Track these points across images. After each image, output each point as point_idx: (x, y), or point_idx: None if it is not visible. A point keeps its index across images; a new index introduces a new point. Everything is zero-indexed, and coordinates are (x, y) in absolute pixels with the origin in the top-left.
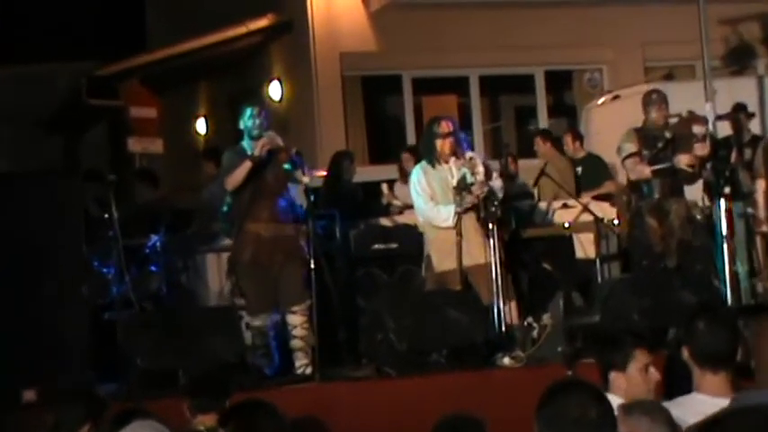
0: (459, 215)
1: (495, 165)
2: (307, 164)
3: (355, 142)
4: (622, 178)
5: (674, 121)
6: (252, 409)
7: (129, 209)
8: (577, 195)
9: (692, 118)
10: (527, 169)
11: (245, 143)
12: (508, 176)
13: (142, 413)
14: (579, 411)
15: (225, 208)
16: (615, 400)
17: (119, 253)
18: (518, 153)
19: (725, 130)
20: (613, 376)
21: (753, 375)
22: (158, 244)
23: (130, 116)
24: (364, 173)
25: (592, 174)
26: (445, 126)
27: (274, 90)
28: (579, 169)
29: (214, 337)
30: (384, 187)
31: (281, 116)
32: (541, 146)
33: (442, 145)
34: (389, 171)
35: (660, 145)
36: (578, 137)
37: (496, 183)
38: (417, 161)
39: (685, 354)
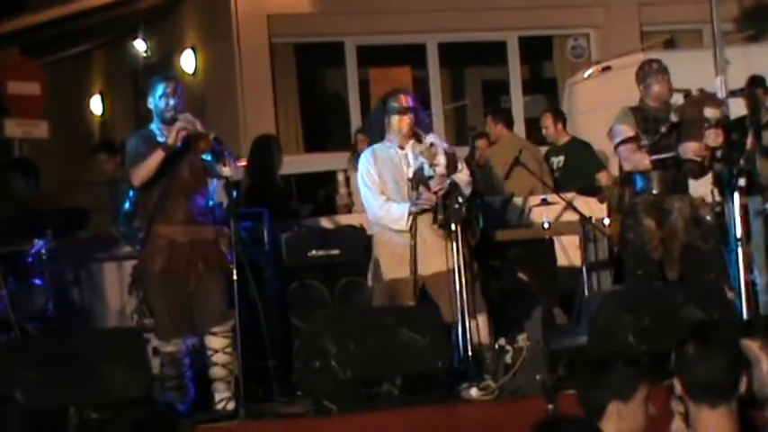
0: (414, 215)
1: (462, 151)
2: (229, 153)
3: (287, 125)
4: (614, 169)
5: (677, 98)
6: None
7: (6, 207)
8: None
9: (705, 97)
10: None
11: (155, 126)
12: (477, 167)
13: None
14: None
15: (126, 205)
16: None
17: None
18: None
19: (739, 108)
20: (612, 407)
21: (762, 407)
22: (43, 251)
23: (7, 93)
24: (297, 163)
25: (577, 163)
26: (404, 100)
27: (187, 61)
28: (561, 158)
29: (114, 367)
30: (340, 178)
31: (196, 93)
32: (494, 128)
33: (400, 123)
34: (328, 161)
35: (663, 129)
36: (560, 117)
37: (462, 176)
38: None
39: (677, 387)
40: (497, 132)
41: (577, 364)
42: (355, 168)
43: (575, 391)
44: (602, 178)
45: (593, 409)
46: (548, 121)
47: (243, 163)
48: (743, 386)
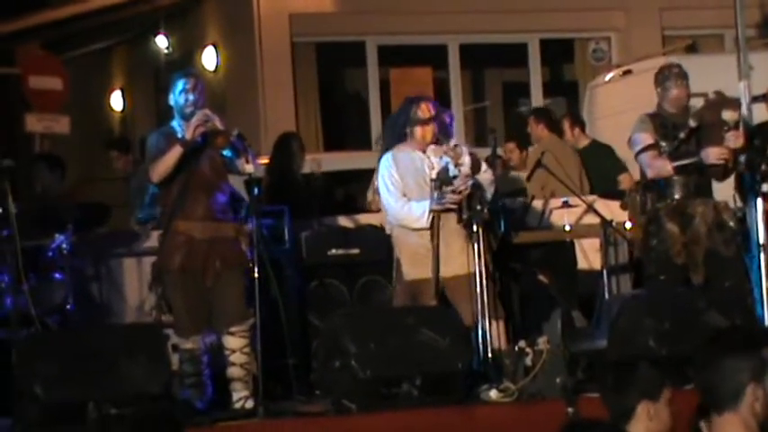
0: (435, 214)
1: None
2: (250, 149)
3: (308, 124)
4: (635, 175)
5: (696, 103)
6: None
7: (28, 202)
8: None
9: (721, 100)
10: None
11: (176, 123)
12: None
13: None
14: None
15: (147, 198)
16: None
17: (15, 256)
18: (507, 139)
19: (761, 114)
20: (642, 408)
21: None
22: (64, 245)
23: (29, 88)
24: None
25: (598, 167)
26: (426, 110)
27: (209, 58)
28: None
29: (133, 363)
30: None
31: (217, 90)
32: (535, 129)
33: (423, 133)
34: (347, 160)
35: (682, 135)
36: (578, 122)
37: (485, 176)
38: None
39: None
40: (538, 133)
41: (600, 367)
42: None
43: (600, 395)
44: (624, 181)
45: (622, 412)
46: (566, 126)
47: (264, 160)
48: (754, 396)
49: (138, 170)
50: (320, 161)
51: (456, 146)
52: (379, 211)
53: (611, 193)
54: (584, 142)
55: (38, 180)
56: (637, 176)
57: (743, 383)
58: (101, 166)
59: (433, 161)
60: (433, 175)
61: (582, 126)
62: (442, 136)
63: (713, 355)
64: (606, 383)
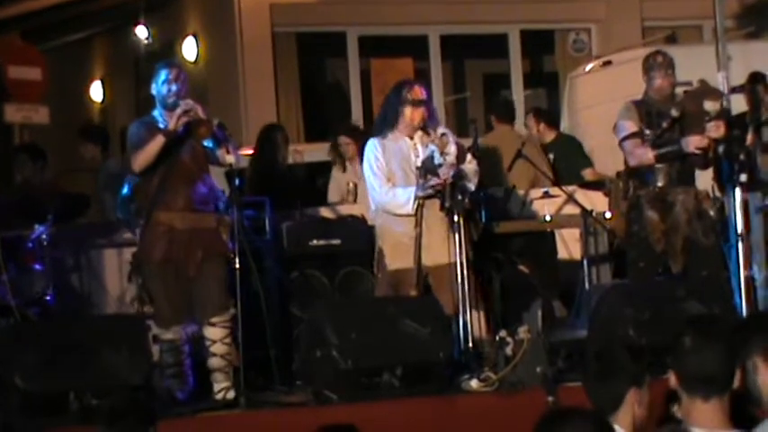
0: (419, 201)
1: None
2: (231, 140)
3: (288, 114)
4: (617, 163)
5: (682, 90)
6: None
7: (7, 193)
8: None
9: (705, 91)
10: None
11: (157, 113)
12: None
13: None
14: None
15: (125, 190)
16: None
17: None
18: (486, 129)
19: (739, 105)
20: (630, 396)
21: (757, 403)
22: (44, 236)
23: (8, 78)
24: (299, 152)
25: (565, 160)
26: (418, 92)
27: (189, 48)
28: (551, 156)
29: (113, 353)
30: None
31: (198, 81)
32: (535, 127)
33: (413, 114)
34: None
35: (665, 124)
36: (542, 116)
37: (470, 167)
38: (360, 145)
39: (672, 380)
40: (541, 133)
41: (583, 359)
42: (341, 168)
43: (584, 387)
44: (587, 175)
45: (610, 401)
46: (530, 122)
47: (246, 151)
48: (737, 380)
49: (106, 162)
50: (303, 152)
51: (443, 134)
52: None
53: (590, 183)
54: (550, 136)
55: (19, 170)
56: (617, 166)
57: (734, 369)
58: (80, 156)
59: (419, 148)
60: (419, 163)
61: (547, 120)
62: (430, 123)
63: (707, 341)
64: (590, 375)
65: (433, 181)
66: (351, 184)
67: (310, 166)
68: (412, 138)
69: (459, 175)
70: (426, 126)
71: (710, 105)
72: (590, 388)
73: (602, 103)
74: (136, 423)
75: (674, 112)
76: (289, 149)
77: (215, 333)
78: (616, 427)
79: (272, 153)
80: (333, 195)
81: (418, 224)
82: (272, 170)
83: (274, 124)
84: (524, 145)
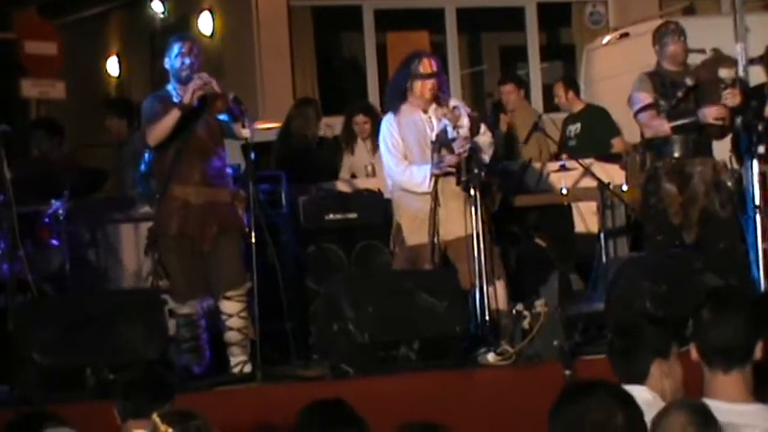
0: (436, 177)
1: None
2: (246, 114)
3: (304, 88)
4: (633, 136)
5: (695, 59)
6: None
7: (24, 168)
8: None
9: (718, 58)
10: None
11: (171, 87)
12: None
13: (51, 418)
14: (603, 416)
15: (142, 167)
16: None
17: (11, 222)
18: (498, 103)
19: (757, 76)
20: (655, 368)
21: None
22: (61, 211)
23: (25, 53)
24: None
25: (594, 130)
26: (428, 64)
27: (205, 23)
28: (578, 125)
29: (130, 328)
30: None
31: (213, 56)
32: (563, 97)
33: (423, 88)
34: None
35: (680, 94)
36: (571, 86)
37: (484, 139)
38: (374, 126)
39: (693, 353)
40: (570, 101)
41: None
42: (350, 149)
43: (609, 361)
44: (617, 144)
45: (636, 374)
46: (559, 91)
47: (263, 125)
48: (758, 352)
49: (133, 136)
50: (333, 126)
51: (455, 107)
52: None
53: (607, 156)
54: (578, 107)
55: (36, 146)
56: (631, 139)
57: (755, 341)
58: (97, 131)
59: (434, 123)
60: (433, 137)
61: (576, 90)
62: (441, 95)
63: (726, 313)
64: (614, 349)
65: (448, 158)
66: (369, 167)
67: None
68: (426, 111)
69: (474, 148)
70: (439, 98)
71: (725, 73)
72: (615, 365)
73: (619, 76)
74: (153, 397)
75: (689, 81)
76: (320, 123)
77: (231, 307)
78: (646, 394)
79: (303, 127)
80: (344, 175)
81: (434, 199)
82: (302, 144)
83: (309, 98)
84: (540, 118)
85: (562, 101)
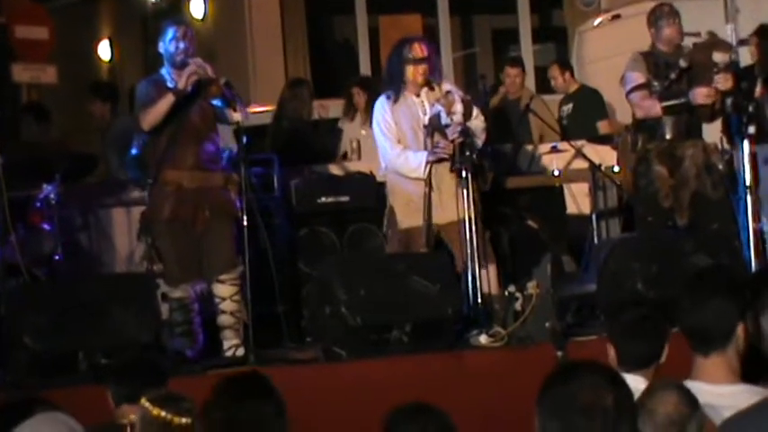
0: (430, 164)
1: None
2: (238, 98)
3: (296, 71)
4: (626, 116)
5: (689, 42)
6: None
7: (15, 152)
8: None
9: (714, 42)
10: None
11: (165, 71)
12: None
13: (43, 404)
14: (592, 397)
15: (134, 151)
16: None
17: (2, 207)
18: (497, 86)
19: (746, 57)
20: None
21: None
22: (52, 195)
23: (15, 37)
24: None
25: (585, 111)
26: (419, 49)
27: (197, 7)
28: (570, 106)
29: (123, 312)
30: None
31: (206, 39)
32: (559, 78)
33: (414, 73)
34: (337, 107)
35: (673, 76)
36: (566, 67)
37: (477, 123)
38: (370, 96)
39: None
40: (566, 82)
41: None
42: (349, 120)
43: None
44: (603, 127)
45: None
46: (555, 72)
47: (255, 109)
48: (740, 334)
49: (115, 120)
50: (328, 107)
51: (448, 92)
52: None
53: (599, 137)
54: (573, 87)
55: (25, 130)
56: (624, 119)
57: (734, 324)
58: (89, 114)
59: (426, 107)
60: (426, 122)
61: (571, 71)
62: (433, 79)
63: (702, 296)
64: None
65: (442, 145)
66: (354, 143)
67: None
68: (418, 95)
69: (467, 133)
70: (431, 82)
71: (719, 57)
72: (622, 346)
73: (610, 58)
74: (146, 381)
75: (683, 63)
76: (313, 104)
77: (224, 290)
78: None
79: (297, 108)
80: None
81: (428, 183)
82: (298, 126)
83: (301, 79)
84: (532, 99)
85: (559, 82)
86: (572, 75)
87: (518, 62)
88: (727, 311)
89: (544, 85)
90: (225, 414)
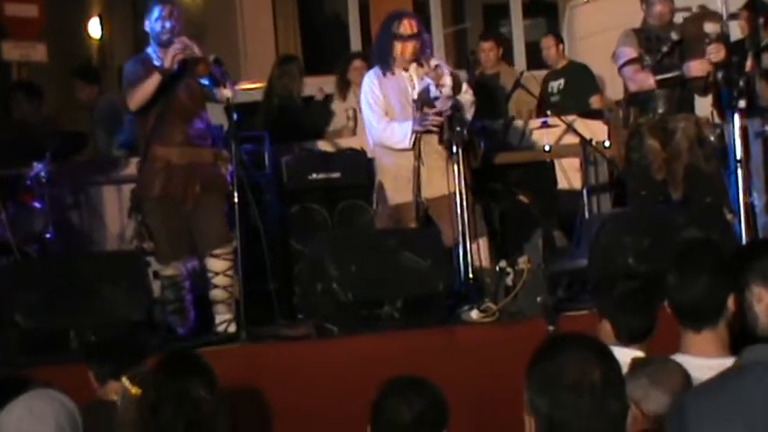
0: (418, 135)
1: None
2: (227, 75)
3: (287, 48)
4: (616, 92)
5: (681, 17)
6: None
7: (5, 130)
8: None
9: (704, 14)
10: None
11: (151, 50)
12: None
13: (34, 382)
14: (579, 373)
15: (124, 131)
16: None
17: None
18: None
19: (736, 32)
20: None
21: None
22: (43, 174)
23: (5, 15)
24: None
25: (577, 86)
26: (408, 26)
27: None
28: (561, 81)
29: (114, 290)
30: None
31: (195, 15)
32: (554, 52)
33: (403, 49)
34: (328, 84)
35: (665, 49)
36: (561, 41)
37: (466, 97)
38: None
39: (669, 309)
40: (559, 54)
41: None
42: (342, 96)
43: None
44: (595, 102)
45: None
46: (549, 43)
47: (245, 86)
48: (731, 305)
49: (100, 100)
50: (322, 86)
51: (437, 66)
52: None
53: (589, 112)
54: (563, 62)
55: (16, 108)
56: (614, 95)
57: (725, 298)
58: (76, 97)
59: (415, 81)
60: (415, 96)
61: (563, 45)
62: (422, 55)
63: (692, 273)
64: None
65: (431, 117)
66: (350, 111)
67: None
68: (407, 70)
69: (456, 107)
70: (419, 58)
71: (711, 27)
72: (618, 320)
73: (601, 33)
74: (125, 359)
75: (675, 36)
76: (303, 81)
77: (218, 265)
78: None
79: (287, 85)
80: (336, 126)
81: (417, 158)
82: (288, 103)
83: (291, 55)
84: (522, 75)
85: (551, 53)
86: (563, 50)
87: (491, 36)
88: (718, 286)
89: (535, 61)
90: (156, 392)
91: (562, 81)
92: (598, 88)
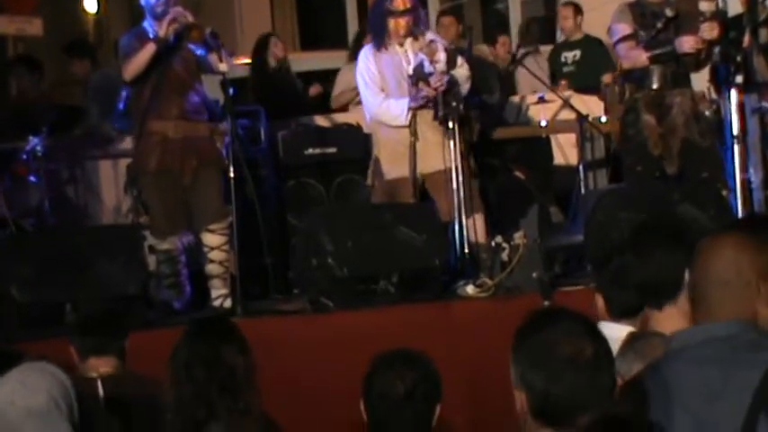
0: (413, 111)
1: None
2: (224, 48)
3: (283, 23)
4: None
5: None
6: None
7: (1, 104)
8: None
9: None
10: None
11: (147, 24)
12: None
13: (29, 355)
14: (574, 347)
15: (121, 105)
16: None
17: None
18: (484, 38)
19: (736, 7)
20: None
21: None
22: (39, 148)
23: None
24: (294, 61)
25: (593, 60)
26: (401, 2)
27: None
28: (577, 53)
29: (110, 264)
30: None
31: None
32: (571, 22)
33: (396, 25)
34: (324, 59)
35: (659, 25)
36: (580, 11)
37: (461, 72)
38: None
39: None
40: (577, 26)
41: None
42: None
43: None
44: (607, 79)
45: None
46: (567, 13)
47: (242, 60)
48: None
49: (93, 74)
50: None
51: (431, 41)
52: (342, 109)
53: (585, 87)
54: (577, 35)
55: (16, 82)
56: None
57: (681, 272)
58: (71, 72)
59: (410, 57)
60: (410, 71)
61: (581, 17)
62: (417, 30)
63: (647, 250)
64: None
65: (425, 91)
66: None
67: (304, 75)
68: (402, 45)
69: (451, 81)
70: (415, 34)
71: (706, 6)
72: (610, 295)
73: (598, 8)
74: (108, 334)
75: (669, 12)
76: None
77: (214, 239)
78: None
79: (266, 60)
80: (338, 88)
81: (413, 133)
82: (275, 78)
83: (269, 33)
84: (519, 50)
85: (569, 23)
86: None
87: (451, 11)
88: (674, 261)
89: (529, 38)
90: (187, 352)
91: (578, 52)
92: (614, 66)
